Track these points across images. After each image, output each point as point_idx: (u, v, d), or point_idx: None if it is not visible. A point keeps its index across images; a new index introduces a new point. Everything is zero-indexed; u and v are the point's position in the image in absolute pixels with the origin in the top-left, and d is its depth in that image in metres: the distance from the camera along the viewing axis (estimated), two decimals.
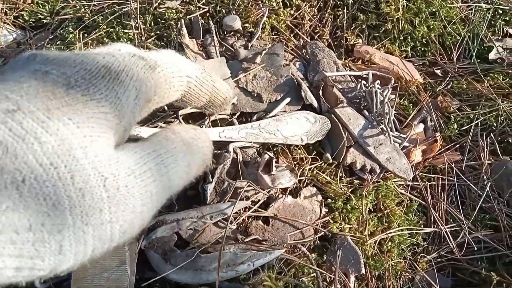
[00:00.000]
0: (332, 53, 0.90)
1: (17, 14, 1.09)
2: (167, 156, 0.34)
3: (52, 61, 0.31)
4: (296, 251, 0.69)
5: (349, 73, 0.87)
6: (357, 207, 0.73)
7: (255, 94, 0.84)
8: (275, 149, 0.76)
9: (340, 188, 0.73)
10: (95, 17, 0.95)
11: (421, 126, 0.83)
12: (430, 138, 0.80)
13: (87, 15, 0.98)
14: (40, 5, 1.09)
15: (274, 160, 0.68)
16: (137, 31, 0.90)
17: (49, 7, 1.08)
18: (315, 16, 0.94)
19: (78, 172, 0.26)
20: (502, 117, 0.84)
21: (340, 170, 0.75)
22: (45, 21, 1.07)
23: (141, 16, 0.92)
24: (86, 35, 0.92)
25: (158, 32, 0.90)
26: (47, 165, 0.25)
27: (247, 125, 0.74)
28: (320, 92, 0.83)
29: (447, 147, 0.81)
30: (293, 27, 0.93)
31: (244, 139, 0.72)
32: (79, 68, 0.31)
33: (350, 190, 0.74)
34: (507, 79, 0.90)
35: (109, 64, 0.32)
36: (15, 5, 1.09)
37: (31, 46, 1.00)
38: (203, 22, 0.91)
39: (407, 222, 0.76)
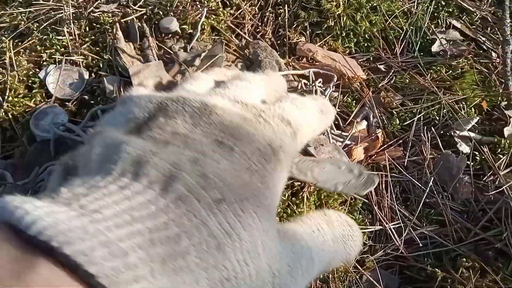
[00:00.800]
0: (274, 53, 0.88)
1: None
2: (315, 254, 0.33)
3: (227, 129, 0.29)
4: None
5: (291, 72, 0.86)
6: (300, 211, 0.72)
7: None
8: None
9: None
10: (30, 24, 0.91)
11: (364, 123, 0.82)
12: (372, 135, 0.79)
13: (22, 22, 0.94)
14: None
15: None
16: (71, 37, 0.86)
17: None
18: (256, 15, 0.93)
19: (260, 269, 0.26)
20: (444, 110, 0.83)
21: None
22: None
23: (75, 22, 0.89)
24: (20, 43, 0.88)
25: (93, 37, 0.87)
26: (243, 264, 0.25)
27: None
28: None
29: (389, 143, 0.80)
30: (234, 27, 0.91)
31: None
32: (253, 146, 0.29)
33: (290, 191, 0.73)
34: (450, 71, 0.90)
35: (272, 140, 0.30)
36: None
37: None
38: (139, 25, 0.88)
39: None
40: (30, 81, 0.83)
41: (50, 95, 0.81)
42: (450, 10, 0.99)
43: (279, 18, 0.93)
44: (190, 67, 0.86)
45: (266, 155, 0.29)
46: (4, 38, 0.91)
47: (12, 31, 0.96)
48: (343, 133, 0.78)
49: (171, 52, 0.87)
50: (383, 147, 0.79)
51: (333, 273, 0.72)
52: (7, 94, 0.80)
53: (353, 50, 0.93)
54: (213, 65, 0.85)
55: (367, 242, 0.76)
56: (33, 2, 1.01)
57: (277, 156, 0.30)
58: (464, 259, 0.73)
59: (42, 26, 0.90)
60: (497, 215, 0.76)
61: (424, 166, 0.78)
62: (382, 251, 0.76)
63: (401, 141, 0.81)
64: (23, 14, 0.96)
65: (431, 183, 0.77)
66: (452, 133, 0.81)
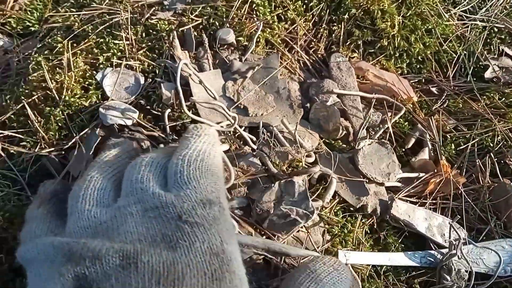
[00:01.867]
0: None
1: (4, 21, 1.06)
2: None
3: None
4: None
5: (359, 94, 0.85)
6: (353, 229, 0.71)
7: (242, 106, 0.82)
8: None
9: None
10: (85, 26, 0.92)
11: (426, 151, 0.81)
12: (439, 169, 0.77)
13: (76, 24, 0.95)
14: (28, 12, 1.06)
15: None
16: (128, 42, 0.87)
17: (38, 14, 1.05)
18: (310, 31, 0.93)
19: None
20: (499, 137, 0.82)
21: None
22: (33, 28, 1.04)
23: (132, 27, 0.90)
24: (75, 44, 0.89)
25: (150, 43, 0.88)
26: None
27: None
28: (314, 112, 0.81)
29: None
30: (288, 41, 0.91)
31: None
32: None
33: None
34: (503, 98, 0.89)
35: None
36: (2, 12, 1.06)
37: (18, 54, 0.97)
38: (196, 34, 0.89)
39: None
40: (86, 82, 0.83)
41: (105, 97, 0.81)
42: (503, 37, 0.99)
43: (333, 35, 0.93)
44: (243, 78, 0.86)
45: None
46: (59, 38, 0.92)
47: (65, 31, 0.97)
48: (409, 174, 0.77)
49: (227, 62, 0.88)
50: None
51: None
52: (63, 93, 0.80)
53: (405, 71, 0.93)
54: (270, 78, 0.85)
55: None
56: (86, 4, 1.04)
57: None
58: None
59: (98, 30, 0.91)
60: None
61: (481, 193, 0.77)
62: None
63: (455, 166, 0.80)
64: (75, 16, 0.98)
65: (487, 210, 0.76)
66: (507, 161, 0.80)
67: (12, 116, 0.81)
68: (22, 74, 0.92)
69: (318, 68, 0.92)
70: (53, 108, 0.79)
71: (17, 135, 0.78)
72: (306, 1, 0.93)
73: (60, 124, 0.78)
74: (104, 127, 0.77)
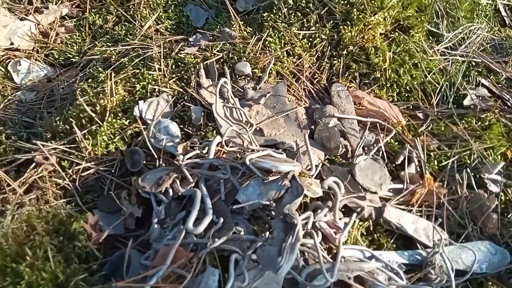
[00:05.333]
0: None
1: (47, 53, 1.22)
2: None
3: None
4: None
5: (356, 118, 1.00)
6: None
7: (258, 128, 0.97)
8: None
9: None
10: (122, 59, 1.08)
11: (413, 166, 0.95)
12: (423, 180, 0.92)
13: (113, 56, 1.11)
14: (69, 45, 1.23)
15: None
16: (160, 73, 1.03)
17: (77, 47, 1.22)
18: (314, 64, 1.09)
19: None
20: (475, 155, 0.97)
21: None
22: (73, 59, 1.20)
23: (163, 60, 1.06)
24: (114, 74, 1.04)
25: (179, 74, 1.03)
26: None
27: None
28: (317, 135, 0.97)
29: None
30: (295, 72, 1.07)
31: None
32: None
33: None
34: (479, 122, 1.04)
35: None
36: (45, 44, 1.23)
37: (62, 82, 1.13)
38: (218, 66, 1.05)
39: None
40: (125, 106, 0.98)
41: (143, 120, 0.96)
42: (480, 70, 1.15)
43: (333, 67, 1.09)
44: (257, 105, 1.01)
45: None
46: (100, 69, 1.07)
47: (102, 62, 1.13)
48: (398, 185, 0.92)
49: (242, 90, 1.03)
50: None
51: None
52: (107, 115, 0.95)
53: (395, 99, 1.09)
54: (279, 103, 1.01)
55: None
56: (120, 39, 1.20)
57: None
58: (490, 283, 0.84)
59: (134, 62, 1.06)
60: None
61: (459, 202, 0.91)
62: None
63: (437, 179, 0.94)
64: (111, 49, 1.14)
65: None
66: (482, 175, 0.95)
67: (62, 134, 0.95)
68: (67, 99, 1.07)
69: (321, 95, 1.08)
70: (98, 128, 0.93)
71: (67, 149, 0.92)
72: (310, 39, 1.09)
73: (105, 141, 0.93)
74: (144, 144, 0.92)
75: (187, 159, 0.86)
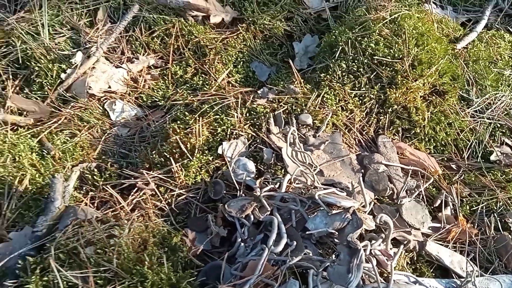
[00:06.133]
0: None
1: (137, 96, 1.46)
2: None
3: None
4: None
5: (400, 165, 1.20)
6: None
7: (319, 170, 1.17)
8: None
9: None
10: (203, 105, 1.31)
11: (449, 209, 1.14)
12: (457, 222, 1.10)
13: (195, 103, 1.34)
14: (155, 90, 1.46)
15: None
16: (237, 119, 1.25)
17: (162, 92, 1.46)
18: (363, 118, 1.30)
19: None
20: (500, 203, 1.15)
21: None
22: (159, 103, 1.43)
23: (238, 108, 1.28)
24: (197, 118, 1.26)
25: (252, 121, 1.25)
26: None
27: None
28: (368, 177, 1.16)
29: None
30: (348, 124, 1.28)
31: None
32: None
33: None
34: (504, 175, 1.23)
35: None
36: (136, 88, 1.47)
37: (151, 121, 1.35)
38: (284, 116, 1.26)
39: None
40: (209, 145, 1.20)
41: (221, 156, 1.17)
42: (504, 131, 1.35)
43: (380, 122, 1.30)
44: (317, 149, 1.22)
45: None
46: (187, 113, 1.30)
47: (184, 107, 1.36)
48: (436, 224, 1.10)
49: (303, 137, 1.25)
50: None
51: None
52: (195, 152, 1.17)
53: (432, 151, 1.28)
54: (336, 150, 1.21)
55: None
56: (198, 88, 1.44)
57: None
58: None
59: (214, 109, 1.29)
60: None
61: (488, 241, 1.08)
62: None
63: (469, 221, 1.13)
64: (191, 96, 1.37)
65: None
66: (506, 220, 1.13)
67: (158, 165, 1.17)
68: (158, 136, 1.29)
69: (369, 145, 1.28)
70: (189, 162, 1.14)
71: (163, 177, 1.13)
72: (361, 98, 1.31)
73: (194, 173, 1.14)
74: (223, 177, 1.13)
75: (265, 191, 1.06)
